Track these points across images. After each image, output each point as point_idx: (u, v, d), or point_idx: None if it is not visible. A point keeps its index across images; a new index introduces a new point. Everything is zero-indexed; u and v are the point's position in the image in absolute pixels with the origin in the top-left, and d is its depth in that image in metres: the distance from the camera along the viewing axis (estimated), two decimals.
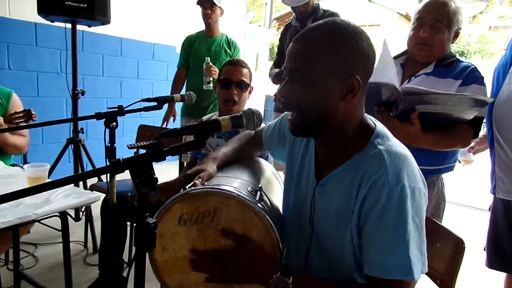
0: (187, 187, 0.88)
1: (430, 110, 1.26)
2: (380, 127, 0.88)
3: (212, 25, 2.97)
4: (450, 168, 1.60)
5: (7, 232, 1.59)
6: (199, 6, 2.92)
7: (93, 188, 2.33)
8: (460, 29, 1.54)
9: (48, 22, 2.69)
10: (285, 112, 1.12)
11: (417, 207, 0.77)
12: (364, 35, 0.81)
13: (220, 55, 2.94)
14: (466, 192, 4.73)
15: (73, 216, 2.72)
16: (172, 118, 3.14)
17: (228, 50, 2.99)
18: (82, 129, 2.60)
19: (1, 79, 3.25)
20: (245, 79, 1.73)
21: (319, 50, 0.79)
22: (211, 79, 2.72)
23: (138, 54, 4.43)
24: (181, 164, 2.51)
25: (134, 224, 0.79)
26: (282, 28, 2.98)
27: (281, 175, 1.33)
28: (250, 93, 1.80)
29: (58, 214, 1.29)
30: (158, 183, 0.96)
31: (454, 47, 15.46)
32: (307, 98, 0.82)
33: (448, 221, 1.58)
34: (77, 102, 2.56)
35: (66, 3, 2.30)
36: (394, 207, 0.75)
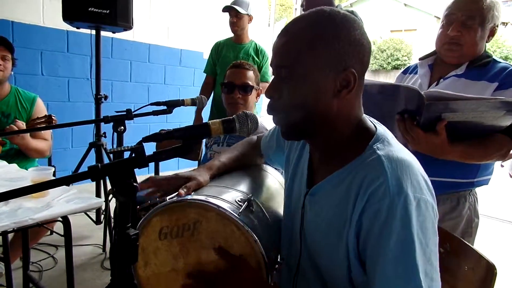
0: (168, 197, 0.82)
1: (459, 119, 1.11)
2: (382, 130, 0.78)
3: (239, 33, 2.93)
4: (485, 182, 1.42)
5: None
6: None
7: (110, 192, 2.33)
8: (497, 26, 1.38)
9: (79, 30, 2.78)
10: None
11: (422, 222, 0.66)
12: (356, 23, 0.73)
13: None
14: (500, 204, 4.34)
15: (94, 219, 2.76)
16: None
17: (256, 58, 2.93)
18: (104, 133, 2.63)
19: (34, 85, 3.39)
20: (249, 82, 1.67)
21: (307, 42, 0.71)
22: None
23: (165, 60, 4.49)
24: None
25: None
26: None
27: None
28: (258, 96, 1.73)
29: (61, 219, 1.27)
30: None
31: (497, 52, 14.57)
32: (296, 96, 0.73)
33: (479, 238, 1.43)
34: (100, 107, 2.60)
35: (90, 9, 2.34)
36: (397, 221, 0.64)
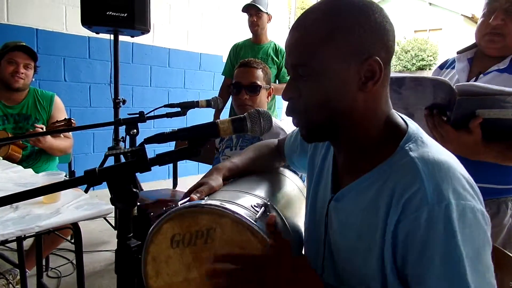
0: (179, 203, 0.75)
1: (497, 116, 0.99)
2: (414, 127, 0.69)
3: (259, 32, 2.86)
4: None
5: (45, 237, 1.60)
6: (245, 13, 2.84)
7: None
8: None
9: (99, 36, 2.80)
10: None
11: (471, 233, 0.56)
12: (375, 6, 0.65)
13: (266, 64, 2.83)
14: None
15: (114, 224, 2.75)
16: None
17: (275, 58, 2.85)
18: (123, 137, 2.62)
19: (57, 91, 3.41)
20: (257, 81, 1.56)
21: (322, 33, 0.63)
22: None
23: (185, 64, 4.49)
24: None
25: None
26: None
27: None
28: (270, 95, 1.63)
29: (70, 226, 1.23)
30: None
31: None
32: (318, 94, 0.65)
33: None
34: (118, 111, 2.59)
35: (108, 13, 2.34)
36: (440, 235, 0.55)
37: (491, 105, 0.96)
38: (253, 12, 2.77)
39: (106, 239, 2.73)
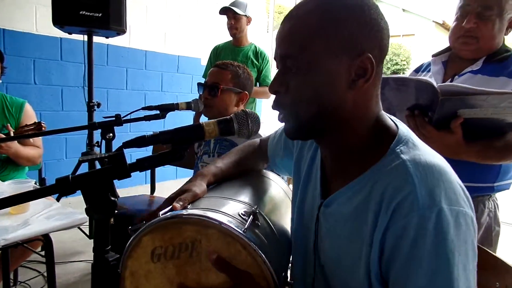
0: (160, 213, 0.70)
1: (477, 116, 1.00)
2: (404, 129, 0.67)
3: (238, 35, 2.83)
4: (506, 186, 1.31)
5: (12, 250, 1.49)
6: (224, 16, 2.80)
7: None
8: None
9: (72, 36, 2.68)
10: None
11: (463, 242, 0.54)
12: (370, 2, 0.63)
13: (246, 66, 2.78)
14: None
15: (88, 233, 2.63)
16: None
17: (255, 61, 2.81)
18: (97, 142, 2.51)
19: (26, 94, 3.28)
20: (218, 82, 1.51)
21: (314, 26, 0.61)
22: None
23: (162, 66, 4.39)
24: None
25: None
26: None
27: None
28: (241, 101, 1.57)
29: (41, 238, 1.14)
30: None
31: None
32: (306, 88, 0.63)
33: (501, 248, 1.31)
34: (93, 115, 2.49)
35: (81, 12, 2.25)
36: (430, 242, 0.52)
37: (473, 105, 0.97)
38: (230, 15, 2.74)
39: (80, 249, 2.60)
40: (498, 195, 1.35)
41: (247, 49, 2.87)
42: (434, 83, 0.97)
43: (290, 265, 0.86)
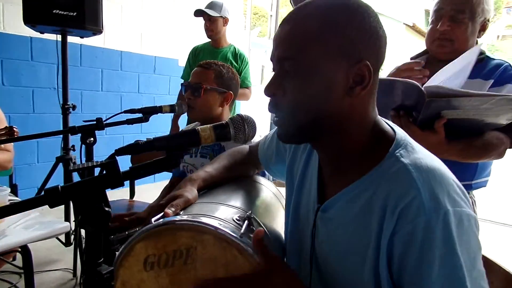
0: (152, 219, 0.68)
1: (459, 116, 1.04)
2: (401, 133, 0.67)
3: (215, 37, 2.80)
4: (483, 184, 1.37)
5: None
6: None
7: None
8: (488, 20, 1.33)
9: (44, 36, 2.56)
10: None
11: (468, 241, 0.55)
12: (370, 10, 0.63)
13: None
14: (496, 207, 4.37)
15: (63, 240, 2.52)
16: None
17: (234, 63, 2.78)
18: (73, 146, 2.42)
19: None
20: (200, 82, 1.47)
21: (315, 29, 0.61)
22: None
23: (139, 67, 4.29)
24: None
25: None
26: None
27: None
28: (226, 101, 1.53)
29: (19, 249, 1.08)
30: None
31: None
32: (302, 92, 0.62)
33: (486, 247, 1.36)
34: (68, 117, 2.39)
35: (54, 11, 2.15)
36: (438, 244, 0.53)
37: (457, 106, 1.00)
38: (205, 17, 2.71)
39: (55, 258, 2.49)
40: (476, 193, 1.40)
41: (226, 50, 2.84)
42: (420, 85, 1.00)
43: None
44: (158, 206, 0.78)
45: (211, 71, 1.50)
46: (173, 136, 0.62)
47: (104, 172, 0.57)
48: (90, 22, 2.28)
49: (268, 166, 0.99)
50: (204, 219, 0.67)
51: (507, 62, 1.30)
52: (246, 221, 0.71)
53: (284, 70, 0.63)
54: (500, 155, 1.23)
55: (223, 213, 0.74)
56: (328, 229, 0.68)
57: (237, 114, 0.69)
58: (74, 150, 2.43)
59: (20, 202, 0.54)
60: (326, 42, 0.60)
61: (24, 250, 1.09)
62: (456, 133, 1.10)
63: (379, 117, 0.69)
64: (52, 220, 1.14)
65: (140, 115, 1.34)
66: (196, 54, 2.90)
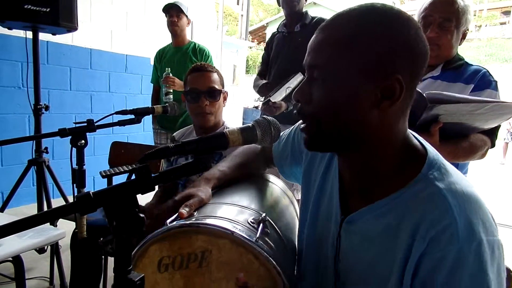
0: (167, 221, 0.67)
1: (453, 120, 1.10)
2: (433, 152, 0.65)
3: (179, 34, 2.82)
4: None
5: None
6: (164, 13, 2.78)
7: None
8: (468, 30, 1.42)
9: (8, 32, 2.41)
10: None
11: (498, 268, 0.56)
12: (412, 22, 0.60)
13: (185, 65, 2.71)
14: (496, 207, 4.56)
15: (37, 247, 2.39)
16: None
17: (193, 58, 2.78)
18: (46, 148, 2.31)
19: None
20: (215, 86, 1.44)
21: (346, 37, 0.59)
22: (171, 90, 2.55)
23: (110, 66, 4.14)
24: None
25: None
26: (256, 41, 2.89)
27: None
28: (225, 99, 1.51)
29: (11, 259, 1.02)
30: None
31: None
32: (328, 102, 0.62)
33: None
34: (40, 119, 2.27)
35: (26, 6, 2.03)
36: (468, 272, 0.54)
37: (455, 111, 1.04)
38: (173, 12, 2.74)
39: (28, 265, 2.35)
40: None
41: (185, 47, 2.86)
42: (420, 91, 1.04)
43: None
44: (172, 204, 0.77)
45: (215, 73, 1.49)
46: (202, 140, 0.62)
47: (134, 176, 0.56)
48: (65, 18, 2.18)
49: (282, 169, 0.98)
50: (220, 223, 0.68)
51: (484, 69, 1.39)
52: (261, 224, 0.72)
53: (313, 78, 0.63)
54: (483, 155, 1.32)
55: (238, 215, 0.75)
56: (353, 241, 0.68)
57: (262, 117, 0.70)
58: (47, 152, 2.32)
59: (53, 210, 0.51)
60: (356, 53, 0.59)
61: (16, 260, 1.03)
62: (444, 135, 1.17)
63: (409, 131, 0.67)
64: (46, 227, 1.08)
65: (131, 116, 1.30)
66: (161, 57, 2.93)
